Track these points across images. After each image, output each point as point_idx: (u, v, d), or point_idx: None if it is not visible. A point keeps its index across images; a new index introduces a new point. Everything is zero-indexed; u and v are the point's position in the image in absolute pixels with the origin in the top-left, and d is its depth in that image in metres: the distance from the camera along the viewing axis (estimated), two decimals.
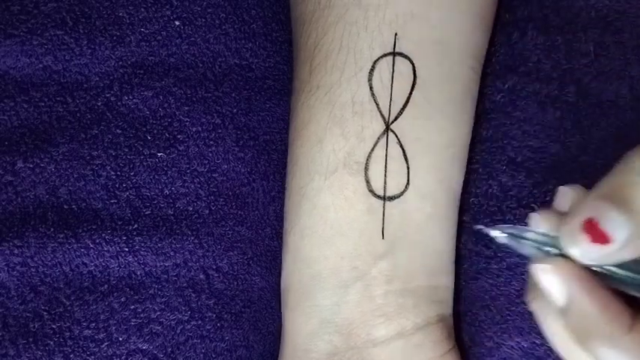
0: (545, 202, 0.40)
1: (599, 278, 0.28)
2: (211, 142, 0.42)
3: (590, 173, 0.39)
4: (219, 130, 0.42)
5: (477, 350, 0.39)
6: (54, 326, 0.39)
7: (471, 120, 0.39)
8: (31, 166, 0.40)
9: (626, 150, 0.37)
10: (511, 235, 0.30)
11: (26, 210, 0.40)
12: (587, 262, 0.28)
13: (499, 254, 0.40)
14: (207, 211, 0.41)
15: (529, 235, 0.30)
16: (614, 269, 0.28)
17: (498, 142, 0.41)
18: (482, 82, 0.42)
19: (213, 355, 0.40)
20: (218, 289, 0.40)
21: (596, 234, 0.27)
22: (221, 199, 0.41)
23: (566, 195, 0.31)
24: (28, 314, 0.39)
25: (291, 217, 0.38)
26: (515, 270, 0.39)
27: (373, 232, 0.36)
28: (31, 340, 0.38)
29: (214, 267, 0.40)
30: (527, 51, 0.41)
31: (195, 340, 0.40)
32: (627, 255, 0.27)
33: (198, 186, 0.41)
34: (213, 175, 0.41)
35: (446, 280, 0.38)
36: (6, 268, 0.39)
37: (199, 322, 0.40)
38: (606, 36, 0.41)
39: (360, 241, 0.36)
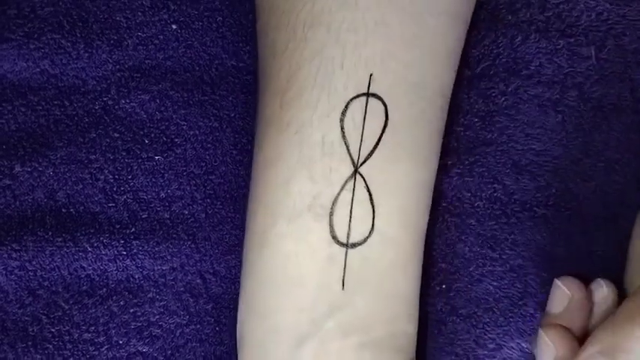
0: (548, 206, 0.40)
1: None
2: (209, 145, 0.42)
3: (591, 176, 0.40)
4: (217, 134, 0.42)
5: (481, 352, 0.39)
6: (53, 330, 0.39)
7: (437, 159, 0.38)
8: (29, 169, 0.41)
9: (628, 154, 0.38)
10: None
11: (24, 214, 0.40)
12: None
13: (503, 256, 0.40)
14: (203, 215, 0.41)
15: None
16: None
17: (503, 146, 0.41)
18: (486, 83, 0.42)
19: (213, 358, 0.40)
20: (216, 294, 0.40)
21: None
22: (218, 203, 0.41)
23: (560, 295, 0.35)
24: (26, 318, 0.39)
25: (251, 261, 0.36)
26: (518, 272, 0.39)
27: (333, 282, 0.34)
28: (30, 344, 0.39)
29: (211, 271, 0.40)
30: (529, 54, 0.41)
31: (195, 344, 0.40)
32: None
33: (194, 188, 0.41)
34: (210, 177, 0.41)
35: (407, 327, 0.36)
36: (4, 272, 0.39)
37: (198, 326, 0.40)
38: (607, 39, 0.41)
39: (319, 292, 0.34)
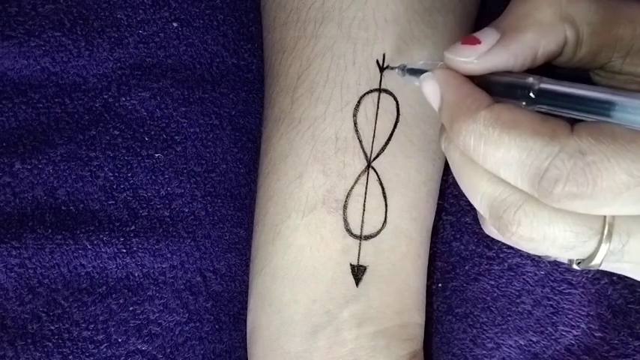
0: None
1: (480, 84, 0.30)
2: (209, 143, 0.42)
3: None
4: (217, 131, 0.42)
5: (479, 352, 0.39)
6: (52, 327, 0.39)
7: (444, 155, 0.38)
8: (29, 167, 0.41)
9: None
10: (411, 70, 0.33)
11: (24, 211, 0.40)
12: (461, 63, 0.30)
13: (501, 255, 0.40)
14: (203, 213, 0.41)
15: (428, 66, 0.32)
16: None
17: None
18: None
19: (212, 357, 0.40)
20: (215, 291, 0.40)
21: (470, 39, 0.30)
22: (218, 200, 0.41)
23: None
24: (26, 315, 0.39)
25: (262, 256, 0.36)
26: (516, 270, 0.39)
27: (347, 273, 0.35)
28: (29, 341, 0.39)
29: (211, 269, 0.40)
30: None
31: (194, 342, 0.40)
32: (498, 60, 0.29)
33: (194, 186, 0.41)
34: (210, 175, 0.41)
35: (417, 317, 0.37)
36: (4, 270, 0.39)
37: (197, 324, 0.40)
38: None
39: (334, 283, 0.35)
